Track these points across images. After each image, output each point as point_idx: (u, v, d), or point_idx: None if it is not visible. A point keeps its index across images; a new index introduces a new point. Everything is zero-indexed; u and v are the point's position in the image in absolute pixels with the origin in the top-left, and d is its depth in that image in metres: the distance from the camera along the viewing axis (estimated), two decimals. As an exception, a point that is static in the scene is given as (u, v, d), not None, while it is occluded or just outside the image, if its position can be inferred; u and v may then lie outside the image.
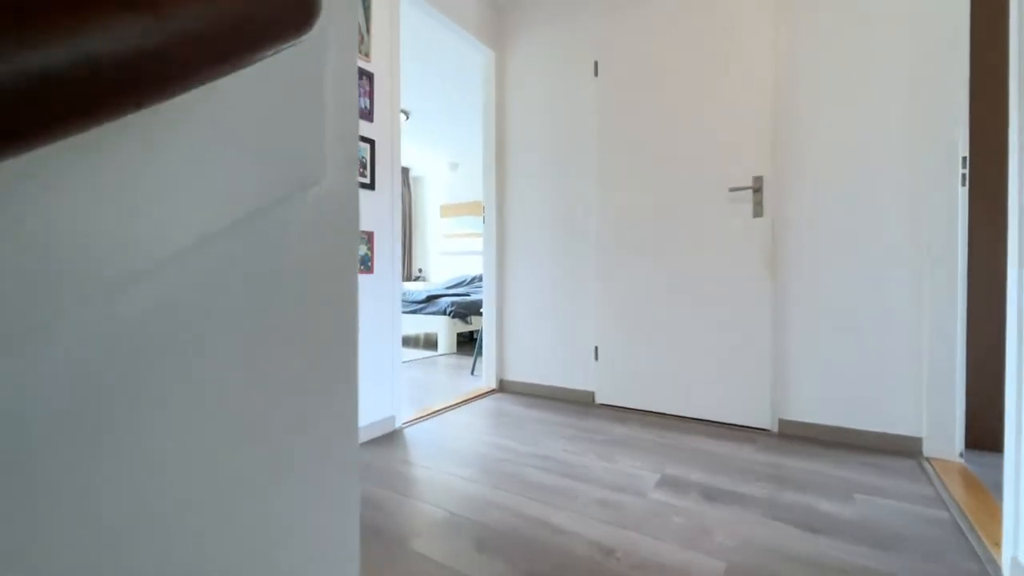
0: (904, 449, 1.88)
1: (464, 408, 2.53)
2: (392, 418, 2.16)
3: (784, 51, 2.11)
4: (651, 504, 1.45)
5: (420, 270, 7.53)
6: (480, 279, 6.38)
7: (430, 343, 4.90)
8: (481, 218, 3.04)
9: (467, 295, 5.20)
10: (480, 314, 4.19)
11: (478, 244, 6.60)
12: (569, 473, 1.68)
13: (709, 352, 2.24)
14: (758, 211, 2.12)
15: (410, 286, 7.04)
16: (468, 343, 4.95)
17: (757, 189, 2.12)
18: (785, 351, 2.11)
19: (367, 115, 2.03)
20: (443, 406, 2.52)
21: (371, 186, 2.05)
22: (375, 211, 2.08)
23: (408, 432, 2.15)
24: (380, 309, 2.10)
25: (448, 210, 7.11)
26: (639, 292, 2.44)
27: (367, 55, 2.03)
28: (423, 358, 4.16)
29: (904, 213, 1.89)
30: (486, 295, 2.99)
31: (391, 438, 2.07)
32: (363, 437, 2.02)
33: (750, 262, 2.15)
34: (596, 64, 2.57)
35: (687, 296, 2.30)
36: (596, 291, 2.57)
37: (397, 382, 2.19)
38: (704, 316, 2.26)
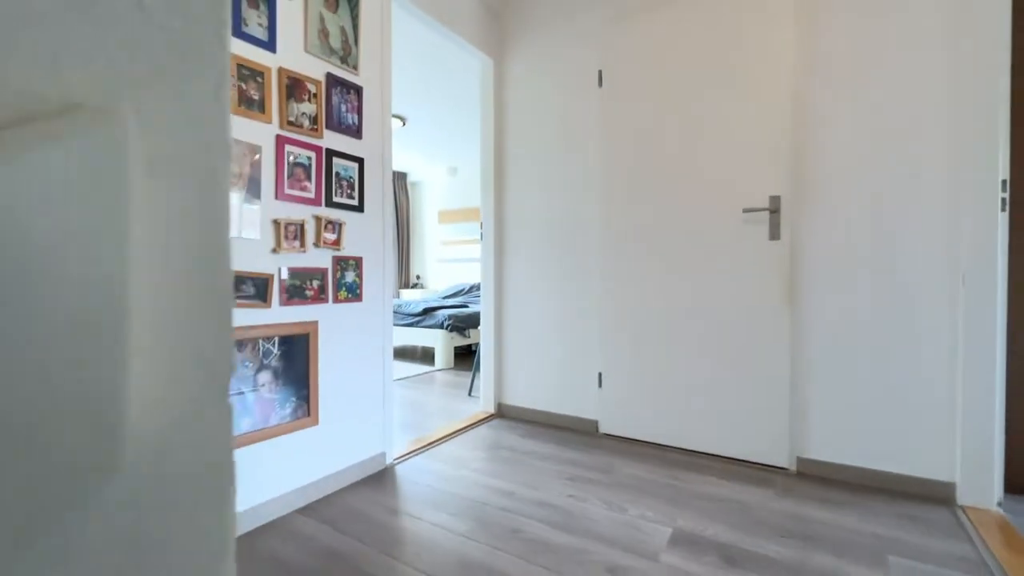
0: (935, 495, 1.74)
1: (461, 438, 2.39)
2: (382, 455, 2.01)
3: (804, 61, 1.96)
4: (665, 571, 1.31)
5: (418, 277, 7.39)
6: (479, 287, 6.23)
7: (428, 356, 4.76)
8: (479, 224, 2.89)
9: (465, 306, 5.06)
10: (479, 327, 4.05)
11: (477, 251, 6.45)
12: (574, 527, 1.54)
13: (721, 382, 2.10)
14: (775, 233, 1.98)
15: (408, 294, 6.90)
16: (467, 355, 4.81)
17: (774, 210, 1.97)
18: (804, 383, 1.97)
19: (355, 132, 1.88)
20: (438, 437, 2.38)
21: (359, 208, 1.90)
22: (364, 235, 1.93)
23: (400, 470, 2.00)
24: (369, 340, 1.96)
25: (446, 216, 6.96)
26: (646, 316, 2.29)
27: (355, 67, 1.88)
28: (419, 375, 4.02)
29: (937, 238, 1.75)
30: (483, 315, 2.85)
31: (380, 478, 1.92)
32: (350, 478, 1.87)
33: (766, 287, 2.00)
34: (600, 73, 2.42)
35: (698, 322, 2.16)
36: (600, 313, 2.43)
37: (389, 415, 2.04)
38: (716, 343, 2.11)
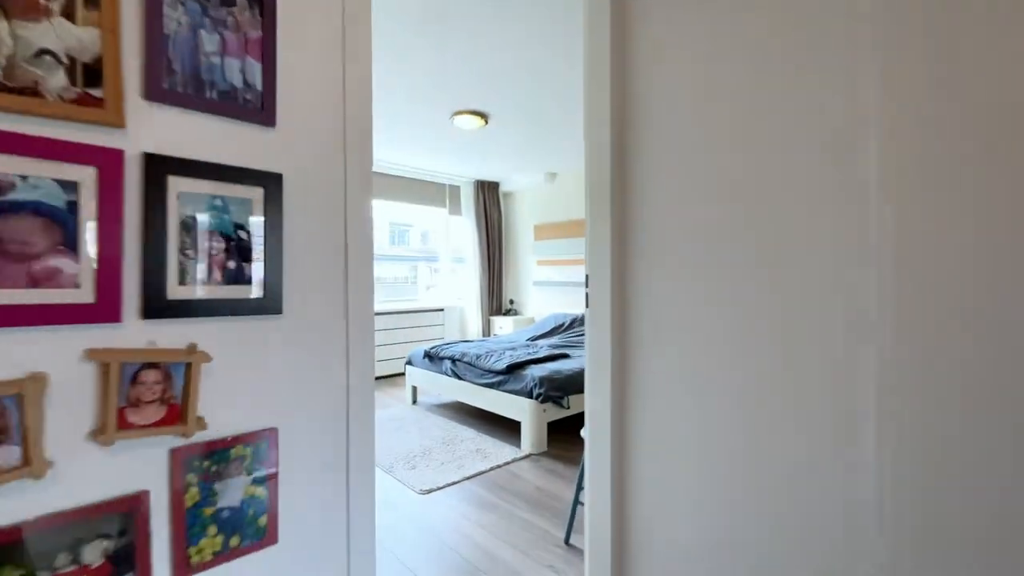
0: None
1: None
2: None
3: None
4: None
5: (511, 302, 6.30)
6: (583, 321, 4.86)
7: (514, 428, 3.52)
8: (584, 239, 1.61)
9: (564, 355, 3.79)
10: (582, 392, 2.73)
11: (580, 273, 5.15)
12: None
13: None
14: None
15: (499, 325, 5.82)
16: (567, 430, 3.51)
17: None
18: None
19: (252, 108, 0.72)
20: None
21: (271, 307, 0.74)
22: (280, 370, 0.76)
23: None
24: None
25: (543, 231, 5.78)
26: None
27: (250, -62, 0.73)
28: (496, 468, 2.83)
29: None
30: (589, 451, 1.56)
31: None
32: None
33: None
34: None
35: None
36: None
37: None
38: None
